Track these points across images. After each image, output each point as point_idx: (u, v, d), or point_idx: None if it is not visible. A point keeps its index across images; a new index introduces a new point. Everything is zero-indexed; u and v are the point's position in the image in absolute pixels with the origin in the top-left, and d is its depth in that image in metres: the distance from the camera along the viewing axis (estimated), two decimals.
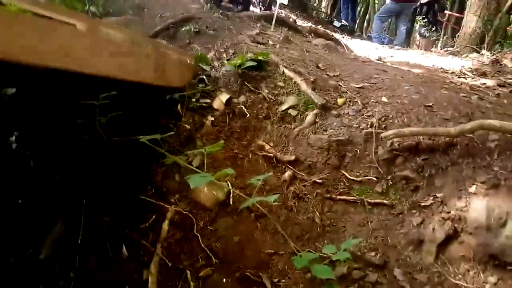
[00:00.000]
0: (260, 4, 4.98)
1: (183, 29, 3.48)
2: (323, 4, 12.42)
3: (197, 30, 3.44)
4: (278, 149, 2.32)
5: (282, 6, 3.98)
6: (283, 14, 5.36)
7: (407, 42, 9.83)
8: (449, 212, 1.53)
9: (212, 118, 2.45)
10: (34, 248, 1.91)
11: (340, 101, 2.51)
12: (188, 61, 2.70)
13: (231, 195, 1.93)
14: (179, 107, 2.52)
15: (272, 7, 4.79)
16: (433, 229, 1.52)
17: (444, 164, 1.82)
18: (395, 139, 2.04)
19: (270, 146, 2.35)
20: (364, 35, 10.33)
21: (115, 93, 1.99)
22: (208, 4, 4.01)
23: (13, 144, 2.71)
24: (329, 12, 11.35)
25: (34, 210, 2.11)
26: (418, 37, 10.65)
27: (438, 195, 1.66)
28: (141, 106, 2.52)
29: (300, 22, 6.75)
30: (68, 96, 2.46)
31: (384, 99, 2.46)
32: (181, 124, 2.46)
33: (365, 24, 16.18)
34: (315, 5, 11.38)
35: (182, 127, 2.45)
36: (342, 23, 9.34)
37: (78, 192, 2.25)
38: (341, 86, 2.66)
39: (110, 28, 1.93)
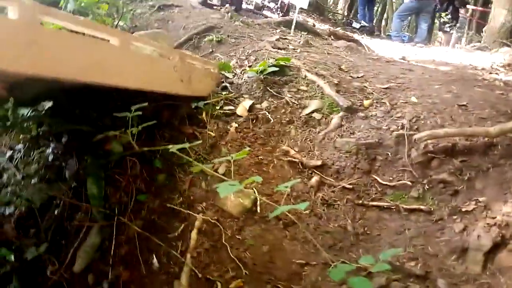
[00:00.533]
0: (279, 10, 4.96)
1: (206, 39, 3.52)
2: (340, 6, 12.32)
3: (219, 39, 3.47)
4: (304, 154, 2.26)
5: (300, 10, 3.93)
6: (301, 19, 5.32)
7: (429, 39, 9.60)
8: (494, 218, 1.44)
9: (236, 125, 2.42)
10: (69, 261, 1.94)
11: (366, 102, 2.44)
12: (212, 70, 2.71)
13: (258, 202, 1.88)
14: (204, 115, 2.52)
15: (290, 12, 4.76)
16: (478, 236, 1.42)
17: (484, 166, 1.72)
18: (429, 141, 1.95)
19: (295, 151, 2.29)
20: (383, 34, 10.14)
21: (146, 105, 2.01)
22: (229, 13, 4.02)
23: (49, 156, 2.78)
24: (346, 14, 11.24)
25: (67, 222, 2.15)
26: (439, 33, 10.36)
27: (480, 199, 1.57)
28: (169, 114, 2.55)
29: (318, 25, 6.70)
30: (101, 107, 2.52)
31: (413, 99, 2.37)
32: (206, 132, 2.45)
33: (383, 23, 15.96)
34: (331, 7, 11.29)
35: (207, 134, 2.44)
36: (361, 24, 9.21)
37: (109, 203, 2.28)
38: (366, 88, 2.59)
39: (140, 42, 1.96)
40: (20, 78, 1.74)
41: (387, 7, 14.73)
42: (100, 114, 2.52)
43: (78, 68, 1.56)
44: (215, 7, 4.37)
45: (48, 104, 2.61)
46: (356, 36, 6.31)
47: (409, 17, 9.87)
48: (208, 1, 4.26)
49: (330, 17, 9.18)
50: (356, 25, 9.15)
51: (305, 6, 3.94)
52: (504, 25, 5.48)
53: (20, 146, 2.90)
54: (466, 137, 1.88)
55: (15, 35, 1.27)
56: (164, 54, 2.26)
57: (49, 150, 2.75)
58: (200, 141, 2.14)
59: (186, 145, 1.88)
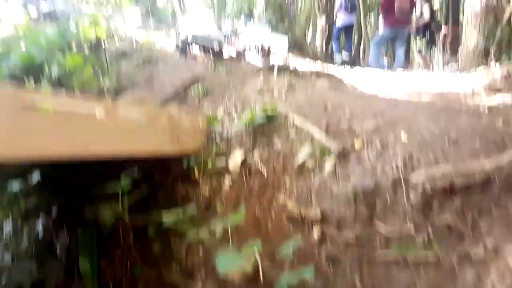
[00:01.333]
0: (261, 53, 5.05)
1: (192, 91, 3.52)
2: (317, 39, 12.70)
3: (205, 91, 3.48)
4: (301, 205, 2.21)
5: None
6: (283, 59, 5.45)
7: (407, 63, 9.88)
8: (506, 264, 1.38)
9: (230, 181, 2.38)
10: None
11: (357, 144, 2.42)
12: (201, 124, 2.70)
13: (260, 268, 1.80)
14: (196, 172, 2.48)
15: (271, 55, 4.87)
16: (493, 285, 1.36)
17: (485, 204, 1.68)
18: (426, 182, 1.92)
19: (292, 203, 2.24)
20: (362, 63, 10.42)
21: (135, 169, 1.97)
22: (212, 62, 4.09)
23: (39, 231, 2.68)
24: (324, 47, 11.57)
25: None
26: (416, 55, 10.68)
27: (488, 243, 1.51)
28: (160, 176, 2.50)
29: (299, 62, 6.86)
30: (90, 176, 2.46)
31: (402, 136, 2.36)
32: (199, 191, 2.40)
33: (361, 52, 16.46)
34: (310, 42, 11.62)
35: (200, 193, 2.38)
36: (342, 58, 9.48)
37: (104, 278, 2.17)
38: (355, 128, 2.58)
39: (127, 107, 1.95)
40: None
41: (363, 35, 15.26)
42: (89, 184, 2.46)
43: (64, 145, 1.53)
44: (194, 55, 4.42)
45: (35, 177, 2.55)
46: (338, 70, 6.45)
47: (385, 44, 10.21)
48: (188, 51, 4.31)
49: (309, 51, 9.41)
50: (338, 57, 9.42)
51: (285, 53, 4.04)
52: (477, 47, 5.66)
53: (8, 222, 2.80)
54: (462, 175, 1.85)
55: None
56: (152, 116, 2.24)
57: (39, 225, 2.65)
58: (193, 205, 2.08)
59: (180, 213, 1.82)
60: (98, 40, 4.72)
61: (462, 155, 2.03)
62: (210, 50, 4.04)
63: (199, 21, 3.82)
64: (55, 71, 3.52)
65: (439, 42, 9.82)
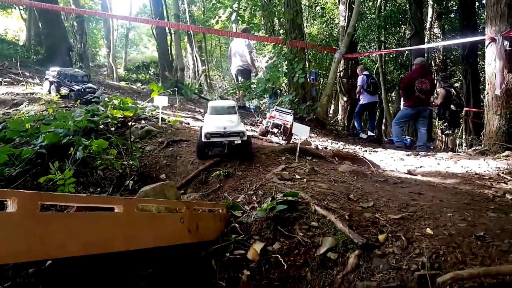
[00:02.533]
0: (282, 134, 5.22)
1: (213, 174, 3.59)
2: (339, 117, 13.07)
3: (226, 173, 3.55)
4: None
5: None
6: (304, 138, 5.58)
7: (430, 140, 9.88)
8: None
9: (248, 272, 2.31)
10: None
11: (381, 237, 2.36)
12: (220, 211, 2.72)
13: None
14: (213, 262, 2.44)
15: (294, 137, 5.00)
16: None
17: None
18: (454, 283, 1.81)
19: None
20: (385, 138, 10.47)
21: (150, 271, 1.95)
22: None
23: None
24: (346, 124, 11.86)
25: None
26: (439, 133, 10.72)
27: None
28: (176, 267, 2.46)
29: (320, 141, 6.99)
30: (103, 275, 2.45)
31: (428, 231, 2.29)
32: (216, 282, 2.34)
33: (383, 127, 16.72)
34: (331, 119, 11.97)
35: (217, 285, 2.32)
36: (368, 135, 9.63)
37: None
38: (379, 219, 2.53)
39: (145, 202, 2.01)
40: None
41: (384, 112, 15.63)
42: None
43: (82, 244, 1.56)
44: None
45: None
46: (360, 149, 6.51)
47: (408, 123, 10.36)
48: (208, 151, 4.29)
49: (331, 128, 9.65)
50: (363, 135, 9.56)
51: (307, 136, 4.17)
52: (500, 129, 5.66)
53: None
54: (492, 277, 1.75)
55: (13, 229, 1.29)
56: (170, 208, 2.29)
57: None
58: None
59: None
60: (125, 120, 5.05)
61: (490, 254, 1.95)
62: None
63: (221, 119, 3.93)
64: (79, 154, 3.70)
65: (462, 124, 9.93)
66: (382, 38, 15.88)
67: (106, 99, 5.64)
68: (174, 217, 2.20)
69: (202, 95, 12.55)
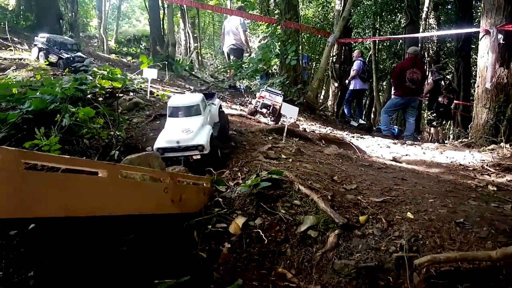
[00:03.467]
0: (271, 115, 5.20)
1: None
2: (329, 102, 13.06)
3: None
4: (301, 278, 2.13)
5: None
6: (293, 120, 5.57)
7: (418, 131, 10.00)
8: None
9: (229, 245, 2.32)
10: None
11: (362, 218, 2.38)
12: (205, 185, 2.71)
13: None
14: (195, 233, 2.44)
15: (282, 118, 4.98)
16: None
17: None
18: (430, 266, 1.85)
19: (292, 274, 2.17)
20: (374, 128, 10.50)
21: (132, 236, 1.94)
22: None
23: (30, 280, 2.61)
24: (335, 110, 11.86)
25: None
26: (427, 125, 10.83)
27: None
28: (158, 236, 2.46)
29: (309, 125, 6.99)
30: (89, 236, 2.44)
31: (409, 215, 2.32)
32: (197, 252, 2.35)
33: (372, 116, 16.80)
34: (321, 105, 11.94)
35: (198, 255, 2.33)
36: (359, 122, 9.64)
37: None
38: (361, 201, 2.56)
39: (129, 170, 1.98)
40: None
41: (374, 101, 15.67)
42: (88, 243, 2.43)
43: (64, 206, 1.54)
44: None
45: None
46: (348, 134, 6.54)
47: (396, 112, 10.42)
48: None
49: (321, 113, 9.64)
50: (354, 123, 9.57)
51: (295, 117, 4.15)
52: (487, 123, 5.74)
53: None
54: (468, 262, 1.79)
55: None
56: (155, 177, 2.27)
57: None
58: (188, 277, 2.02)
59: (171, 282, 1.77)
60: (113, 91, 4.95)
61: (469, 241, 1.99)
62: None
63: None
64: (65, 121, 3.63)
65: (451, 116, 10.03)
66: (377, 25, 15.78)
67: (95, 69, 5.49)
68: (158, 186, 2.18)
69: (193, 73, 12.34)
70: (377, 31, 15.75)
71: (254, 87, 11.16)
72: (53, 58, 6.91)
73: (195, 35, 20.71)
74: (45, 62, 6.97)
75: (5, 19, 12.90)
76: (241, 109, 7.20)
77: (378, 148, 5.17)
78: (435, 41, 14.81)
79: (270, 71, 10.00)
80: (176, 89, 7.62)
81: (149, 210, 2.16)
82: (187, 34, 19.31)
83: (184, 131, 3.08)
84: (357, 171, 3.22)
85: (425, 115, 11.86)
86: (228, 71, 10.20)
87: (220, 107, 3.91)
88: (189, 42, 19.58)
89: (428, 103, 9.75)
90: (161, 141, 3.05)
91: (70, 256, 2.31)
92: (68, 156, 1.80)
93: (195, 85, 9.94)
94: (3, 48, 9.18)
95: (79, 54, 7.05)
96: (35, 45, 7.56)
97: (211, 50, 25.60)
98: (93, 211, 1.71)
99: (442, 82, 9.48)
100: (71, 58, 6.71)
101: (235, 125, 4.50)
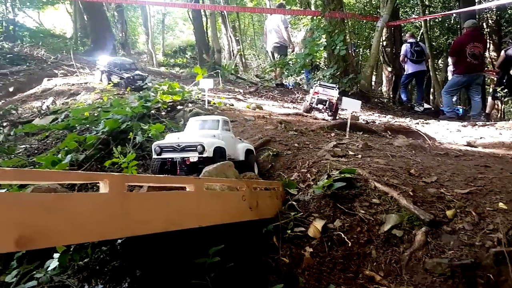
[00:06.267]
0: (327, 110, 5.10)
1: (264, 153, 3.58)
2: (384, 88, 12.56)
3: (275, 153, 3.52)
4: (391, 279, 2.07)
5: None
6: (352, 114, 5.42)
7: (484, 109, 9.25)
8: None
9: (311, 250, 2.32)
10: None
11: (449, 213, 2.26)
12: (276, 189, 2.73)
13: None
14: (274, 239, 2.47)
15: (340, 112, 4.87)
16: None
17: None
18: None
19: (380, 276, 2.11)
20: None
21: (222, 246, 2.01)
22: (282, 124, 4.16)
23: None
24: (391, 95, 11.38)
25: None
26: (491, 98, 9.94)
27: None
28: (239, 244, 2.52)
29: (367, 115, 6.77)
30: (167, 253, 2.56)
31: (501, 205, 2.16)
32: (279, 258, 2.37)
33: (431, 97, 15.85)
34: (375, 91, 11.51)
35: (280, 261, 2.35)
36: (425, 107, 9.14)
37: None
38: (445, 194, 2.43)
39: (211, 181, 2.06)
40: None
41: (432, 81, 14.77)
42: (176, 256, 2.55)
43: (163, 221, 1.64)
44: None
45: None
46: (411, 121, 6.24)
47: (459, 91, 9.74)
48: None
49: (377, 101, 9.31)
50: (418, 108, 9.09)
51: (358, 110, 4.03)
52: None
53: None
54: None
55: (107, 209, 1.37)
56: (232, 186, 2.33)
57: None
58: (281, 286, 2.05)
59: None
60: (173, 104, 5.16)
61: None
62: None
63: None
64: (139, 138, 3.84)
65: None
66: (426, 2, 14.87)
67: (156, 85, 5.78)
68: (236, 195, 2.24)
69: (239, 75, 12.52)
70: (427, 7, 14.84)
71: (302, 82, 11.06)
72: (115, 79, 7.37)
73: (237, 38, 20.97)
74: (109, 83, 7.45)
75: (66, 47, 14.04)
76: (293, 107, 7.17)
77: (448, 134, 4.87)
78: (494, 9, 13.62)
79: (317, 64, 9.85)
80: (228, 94, 7.77)
81: (231, 219, 2.22)
82: (229, 38, 19.61)
83: (192, 134, 2.84)
84: (434, 161, 3.06)
85: (490, 90, 10.93)
86: (275, 70, 10.20)
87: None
88: (232, 46, 19.87)
89: (498, 78, 8.97)
90: (164, 140, 2.82)
91: (159, 267, 2.43)
92: (161, 176, 1.90)
93: (244, 87, 10.07)
94: (69, 74, 9.98)
95: (138, 72, 7.45)
96: (97, 68, 8.11)
97: (253, 50, 25.76)
98: (185, 224, 1.80)
99: None
100: (131, 78, 7.11)
101: (294, 124, 4.49)
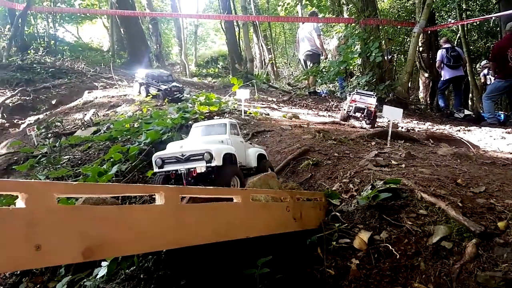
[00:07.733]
0: (366, 118, 5.05)
1: (303, 163, 3.60)
2: (421, 94, 12.22)
3: (315, 162, 3.52)
4: None
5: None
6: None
7: None
8: None
9: (357, 261, 2.30)
10: None
11: (501, 224, 2.19)
12: (319, 200, 2.74)
13: None
14: (319, 250, 2.48)
15: (378, 120, 4.80)
16: None
17: None
18: None
19: None
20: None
21: (270, 257, 2.05)
22: (321, 133, 4.16)
23: None
24: (428, 102, 11.06)
25: None
26: None
27: None
28: (284, 255, 2.55)
29: (405, 122, 6.63)
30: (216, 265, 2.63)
31: None
32: (324, 269, 2.37)
33: (470, 102, 15.26)
34: (412, 98, 11.23)
35: (325, 272, 2.35)
36: (465, 113, 8.85)
37: None
38: (495, 205, 2.35)
39: (257, 192, 2.12)
40: None
41: (470, 86, 14.22)
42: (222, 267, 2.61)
43: (211, 232, 1.70)
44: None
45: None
46: (451, 128, 6.06)
47: (501, 96, 9.34)
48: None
49: (414, 108, 9.09)
50: (459, 115, 8.80)
51: (400, 119, 3.98)
52: None
53: None
54: None
55: (163, 220, 1.44)
56: (276, 197, 2.37)
57: None
58: None
59: None
60: (210, 115, 5.30)
61: None
62: None
63: None
64: None
65: None
66: (464, 5, 14.40)
67: (194, 96, 5.95)
68: (281, 206, 2.27)
69: (271, 84, 12.62)
70: (464, 11, 14.37)
71: (336, 90, 10.98)
72: (154, 91, 7.65)
73: (269, 47, 21.17)
74: (148, 95, 7.74)
75: (104, 60, 14.71)
76: (329, 115, 7.14)
77: (492, 141, 4.69)
78: None
79: (350, 72, 9.75)
80: (262, 104, 7.85)
81: (276, 230, 2.26)
82: (261, 47, 19.83)
83: (197, 142, 2.56)
84: (481, 170, 2.96)
85: None
86: (308, 78, 10.20)
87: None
88: (264, 55, 20.07)
89: None
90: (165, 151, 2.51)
91: (204, 276, 2.50)
92: (211, 187, 1.97)
93: (277, 96, 10.14)
94: (108, 86, 10.44)
95: (174, 83, 7.69)
96: (136, 80, 8.45)
97: (284, 59, 25.88)
98: (233, 235, 1.85)
99: None
100: (169, 89, 7.36)
101: (332, 133, 4.47)
